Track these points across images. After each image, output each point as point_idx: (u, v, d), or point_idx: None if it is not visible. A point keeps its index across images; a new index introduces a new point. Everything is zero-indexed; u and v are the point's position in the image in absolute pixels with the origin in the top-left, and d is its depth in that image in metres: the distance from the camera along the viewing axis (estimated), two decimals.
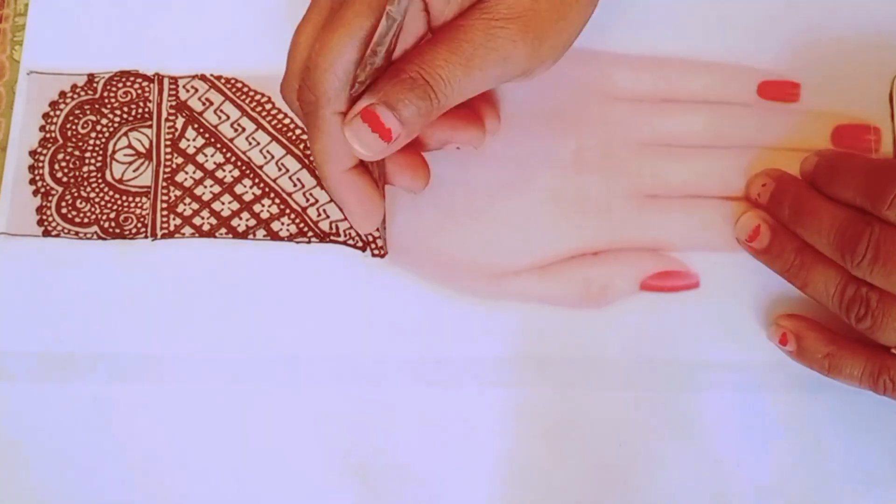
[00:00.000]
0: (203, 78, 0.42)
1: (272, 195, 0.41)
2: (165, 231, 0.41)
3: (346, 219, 0.39)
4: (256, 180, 0.41)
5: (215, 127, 0.42)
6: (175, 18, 0.43)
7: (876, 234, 0.34)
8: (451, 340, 0.39)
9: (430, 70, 0.32)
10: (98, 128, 0.42)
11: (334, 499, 0.38)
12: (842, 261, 0.35)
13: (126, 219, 0.41)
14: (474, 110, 0.39)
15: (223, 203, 0.41)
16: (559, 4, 0.34)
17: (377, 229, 0.38)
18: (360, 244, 0.40)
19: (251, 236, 0.41)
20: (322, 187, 0.41)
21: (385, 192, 0.37)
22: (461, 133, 0.38)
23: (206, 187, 0.41)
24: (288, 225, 0.41)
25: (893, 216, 0.34)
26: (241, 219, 0.41)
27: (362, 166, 0.35)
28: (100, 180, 0.41)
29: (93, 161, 0.41)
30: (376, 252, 0.40)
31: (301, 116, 0.35)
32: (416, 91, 0.32)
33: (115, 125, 0.42)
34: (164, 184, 0.41)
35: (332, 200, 0.40)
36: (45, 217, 0.41)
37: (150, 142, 0.42)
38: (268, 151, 0.41)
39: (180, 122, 0.42)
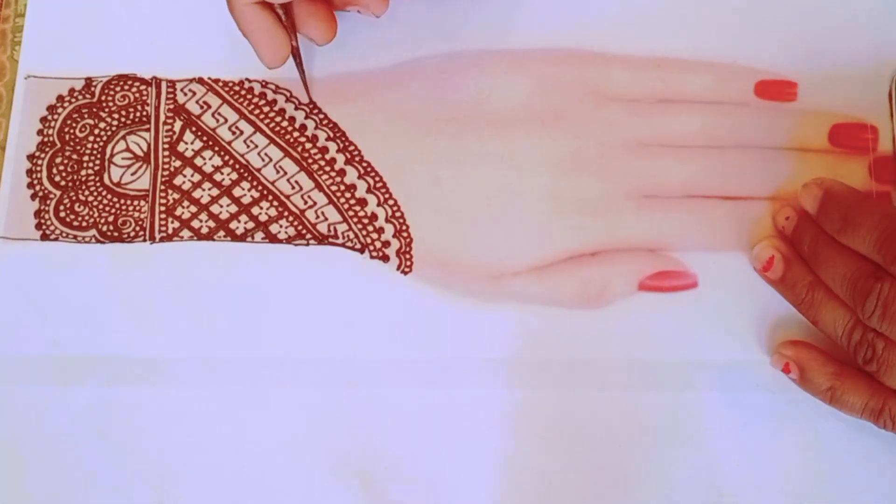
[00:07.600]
0: (201, 81, 0.42)
1: (270, 198, 0.41)
2: (164, 234, 0.41)
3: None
4: (255, 183, 0.41)
5: (213, 130, 0.42)
6: (172, 22, 0.43)
7: (885, 291, 0.34)
8: (450, 341, 0.39)
9: None
10: (96, 131, 0.42)
11: (334, 500, 0.38)
12: (852, 308, 0.36)
13: (124, 222, 0.41)
14: None
15: (221, 206, 0.41)
16: None
17: (301, 78, 0.41)
18: (358, 246, 0.40)
19: (249, 239, 0.41)
20: (320, 189, 0.41)
21: (297, 38, 0.39)
22: None
23: (204, 190, 0.41)
24: (286, 227, 0.41)
25: None
26: (239, 221, 0.41)
27: (265, 4, 0.36)
28: (98, 184, 0.41)
29: (91, 165, 0.41)
30: (375, 254, 0.40)
31: None
32: None
33: (113, 129, 0.42)
34: (163, 187, 0.41)
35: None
36: (43, 221, 0.41)
37: (148, 145, 0.42)
38: (266, 154, 0.41)
39: (178, 125, 0.42)
